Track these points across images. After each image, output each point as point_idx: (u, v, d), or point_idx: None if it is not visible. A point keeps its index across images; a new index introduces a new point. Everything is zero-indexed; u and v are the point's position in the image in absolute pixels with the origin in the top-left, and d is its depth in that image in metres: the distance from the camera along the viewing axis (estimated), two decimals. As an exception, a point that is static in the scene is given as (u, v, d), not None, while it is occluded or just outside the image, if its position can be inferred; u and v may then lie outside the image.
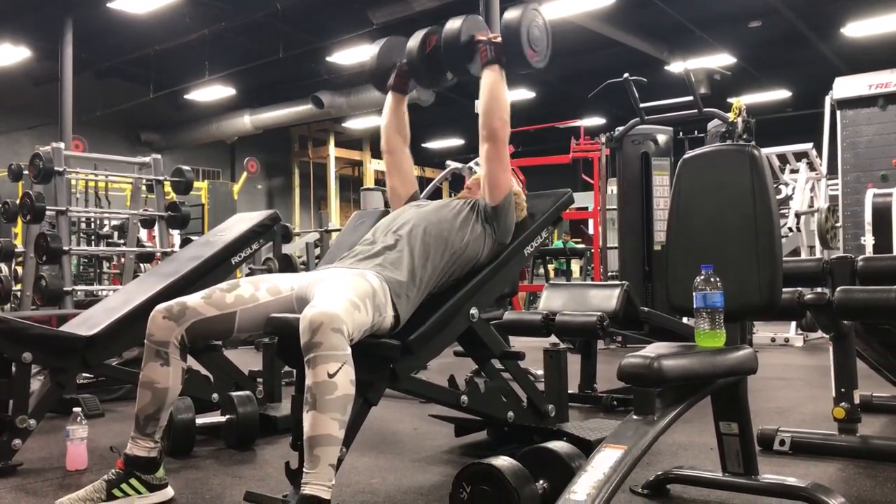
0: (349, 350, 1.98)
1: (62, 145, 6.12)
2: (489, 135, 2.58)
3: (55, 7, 11.80)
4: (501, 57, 2.61)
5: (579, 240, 12.33)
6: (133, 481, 2.25)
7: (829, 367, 2.87)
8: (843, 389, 2.76)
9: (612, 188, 8.17)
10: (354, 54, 13.15)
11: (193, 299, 2.30)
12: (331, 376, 1.92)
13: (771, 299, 2.04)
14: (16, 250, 7.08)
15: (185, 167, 6.73)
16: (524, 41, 2.57)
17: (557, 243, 10.69)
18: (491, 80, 2.59)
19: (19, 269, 7.53)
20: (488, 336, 2.66)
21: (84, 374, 3.85)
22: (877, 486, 2.38)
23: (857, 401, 2.76)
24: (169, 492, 2.33)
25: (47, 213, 5.91)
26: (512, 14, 2.59)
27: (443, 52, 2.69)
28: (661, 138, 7.07)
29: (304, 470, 1.93)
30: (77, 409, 2.71)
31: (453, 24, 2.66)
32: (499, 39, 2.61)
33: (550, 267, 11.25)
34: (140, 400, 2.28)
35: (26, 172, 6.31)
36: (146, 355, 2.28)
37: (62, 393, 2.96)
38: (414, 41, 2.77)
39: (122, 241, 7.92)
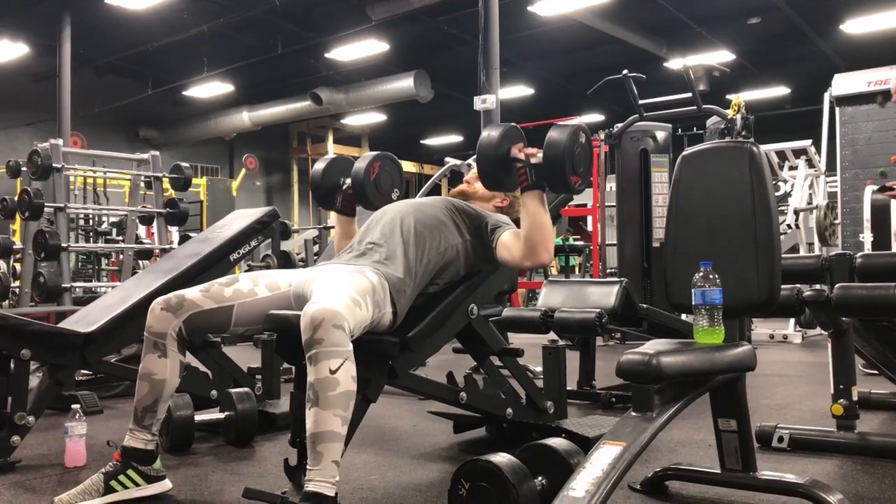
0: (351, 346, 1.98)
1: (60, 142, 6.12)
2: (534, 266, 2.52)
3: (53, 3, 11.79)
4: (543, 183, 2.36)
5: (578, 237, 12.32)
6: (131, 473, 2.26)
7: (827, 364, 2.87)
8: (841, 386, 2.76)
9: (611, 185, 8.18)
10: (353, 50, 13.15)
11: (192, 292, 2.31)
12: (333, 373, 1.93)
13: (770, 296, 2.05)
14: (14, 247, 7.07)
15: (184, 164, 6.73)
16: (567, 167, 2.30)
17: (556, 241, 10.69)
18: (532, 209, 2.35)
19: (18, 266, 7.53)
20: (487, 333, 2.66)
21: (83, 371, 3.85)
22: (875, 482, 2.38)
23: (855, 397, 2.76)
24: (167, 484, 2.34)
25: (46, 209, 5.91)
26: (556, 135, 2.32)
27: (478, 161, 2.46)
28: (660, 135, 7.07)
29: (308, 467, 1.93)
30: (76, 406, 2.71)
31: (489, 135, 2.41)
32: (538, 159, 2.34)
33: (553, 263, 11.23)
34: (138, 392, 2.29)
35: (24, 169, 6.31)
36: (145, 347, 2.29)
37: (61, 390, 2.96)
38: (359, 167, 2.70)
39: (120, 238, 7.92)
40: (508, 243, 2.43)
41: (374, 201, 2.71)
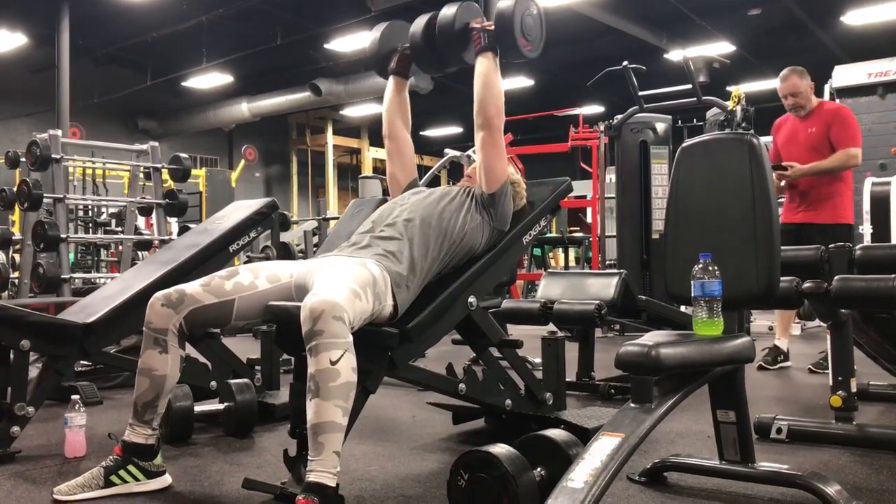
0: (351, 338, 1.98)
1: (59, 132, 6.10)
2: (484, 122, 2.58)
3: (51, -7, 11.75)
4: (494, 44, 2.61)
5: (577, 228, 12.32)
6: (131, 468, 2.27)
7: (826, 356, 2.88)
8: (839, 378, 2.77)
9: (611, 176, 8.16)
10: (353, 41, 13.10)
11: (192, 287, 2.29)
12: (333, 364, 1.93)
13: (769, 288, 2.05)
14: (13, 238, 7.07)
15: (183, 155, 6.71)
16: (517, 30, 2.57)
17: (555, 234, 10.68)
18: (484, 67, 2.59)
19: (17, 257, 7.53)
20: (486, 324, 2.66)
21: (82, 362, 3.86)
22: (873, 473, 2.39)
23: (853, 389, 2.77)
24: (167, 479, 2.34)
25: (45, 200, 5.89)
26: (506, 2, 2.58)
27: (437, 40, 2.69)
28: (660, 126, 7.06)
29: (309, 458, 1.93)
30: (75, 397, 2.72)
31: (447, 11, 2.66)
32: (492, 27, 2.61)
33: (556, 255, 11.24)
34: (138, 387, 2.29)
35: (23, 160, 6.29)
36: (145, 343, 2.28)
37: (60, 380, 2.96)
38: (418, 25, 2.77)
39: (119, 229, 7.91)
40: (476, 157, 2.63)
41: (431, 61, 2.83)
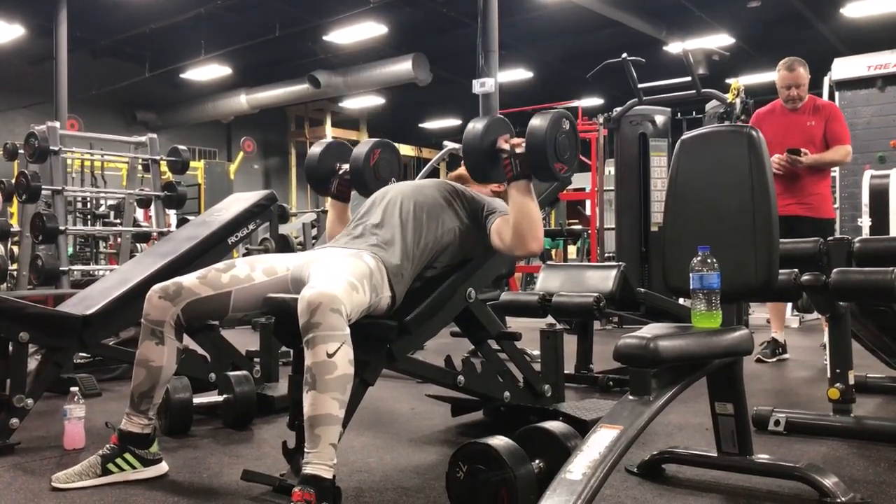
0: (348, 330, 1.98)
1: (57, 124, 6.10)
2: (523, 255, 2.48)
3: (49, -16, 11.70)
4: (529, 172, 2.35)
5: (576, 221, 12.32)
6: (128, 456, 2.29)
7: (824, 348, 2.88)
8: (838, 370, 2.77)
9: (610, 169, 8.16)
10: (351, 33, 13.07)
11: (189, 279, 2.30)
12: (330, 356, 1.93)
13: (767, 280, 2.05)
14: (12, 230, 7.06)
15: (182, 147, 6.72)
16: (550, 155, 2.29)
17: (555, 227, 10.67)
18: (519, 199, 2.34)
19: (15, 249, 7.52)
20: (485, 316, 2.66)
21: (81, 354, 3.86)
22: (870, 465, 2.40)
23: (851, 381, 2.77)
24: (163, 467, 2.36)
25: (43, 192, 5.89)
26: (537, 123, 2.31)
27: (464, 154, 2.46)
28: (659, 119, 7.05)
29: (306, 450, 1.94)
30: (74, 389, 2.72)
31: (475, 127, 2.41)
32: (522, 149, 2.33)
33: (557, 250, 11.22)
34: (135, 378, 2.31)
35: (22, 152, 6.28)
36: (142, 334, 2.30)
37: (59, 372, 2.96)
38: (359, 152, 2.69)
39: (118, 221, 7.90)
40: (500, 229, 2.43)
41: (371, 188, 2.70)
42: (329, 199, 2.82)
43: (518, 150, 2.34)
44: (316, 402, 1.93)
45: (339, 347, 1.94)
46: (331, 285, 2.01)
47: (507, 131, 2.43)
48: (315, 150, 2.80)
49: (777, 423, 2.82)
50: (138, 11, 12.57)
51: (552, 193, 2.93)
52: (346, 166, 2.75)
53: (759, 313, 6.83)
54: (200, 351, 3.24)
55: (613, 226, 7.56)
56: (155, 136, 6.75)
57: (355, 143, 2.84)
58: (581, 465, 1.64)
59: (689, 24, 12.77)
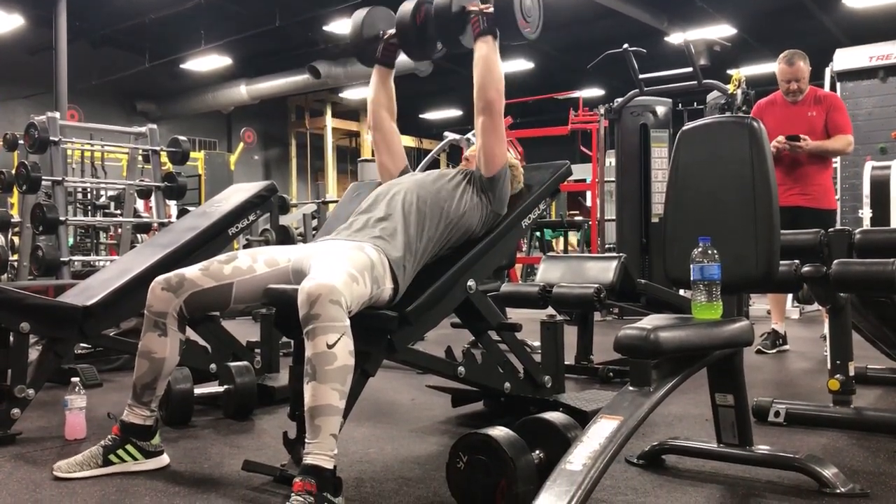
0: (348, 321, 1.98)
1: (57, 115, 6.09)
2: (484, 107, 2.55)
3: (49, -26, 11.66)
4: (494, 28, 2.54)
5: (577, 212, 12.31)
6: (129, 447, 2.30)
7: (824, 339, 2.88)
8: (838, 361, 2.77)
9: (611, 160, 8.15)
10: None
11: (191, 271, 2.31)
12: (330, 347, 1.93)
13: (768, 271, 2.05)
14: (12, 220, 7.06)
15: (182, 137, 6.70)
16: (517, 11, 2.51)
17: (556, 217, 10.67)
18: (484, 51, 2.54)
19: (16, 240, 7.52)
20: (485, 307, 2.66)
21: (82, 345, 3.86)
22: (870, 456, 2.40)
23: (851, 373, 2.78)
24: (164, 459, 2.36)
25: (43, 183, 5.89)
26: None
27: (433, 23, 2.62)
28: (660, 110, 7.04)
29: (306, 440, 1.94)
30: (75, 379, 2.72)
31: None
32: (491, 10, 2.53)
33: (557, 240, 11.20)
34: (137, 369, 2.31)
35: (22, 142, 6.28)
36: (145, 326, 2.31)
37: (60, 363, 2.97)
38: (405, 10, 2.69)
39: (118, 212, 7.90)
40: (476, 140, 2.60)
41: (420, 49, 2.75)
42: (374, 68, 2.82)
43: (486, 11, 2.53)
44: (316, 392, 1.93)
45: (339, 338, 1.94)
46: (331, 277, 2.01)
47: None
48: (358, 16, 2.80)
49: (777, 414, 2.83)
50: (138, 1, 12.54)
51: (553, 184, 2.93)
52: (391, 31, 2.76)
53: (759, 304, 6.83)
54: (201, 342, 3.25)
55: (614, 217, 7.55)
56: (155, 126, 6.74)
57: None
58: (581, 455, 1.65)
59: (691, 15, 12.73)
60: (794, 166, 4.46)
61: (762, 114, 4.63)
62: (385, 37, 2.77)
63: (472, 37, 2.58)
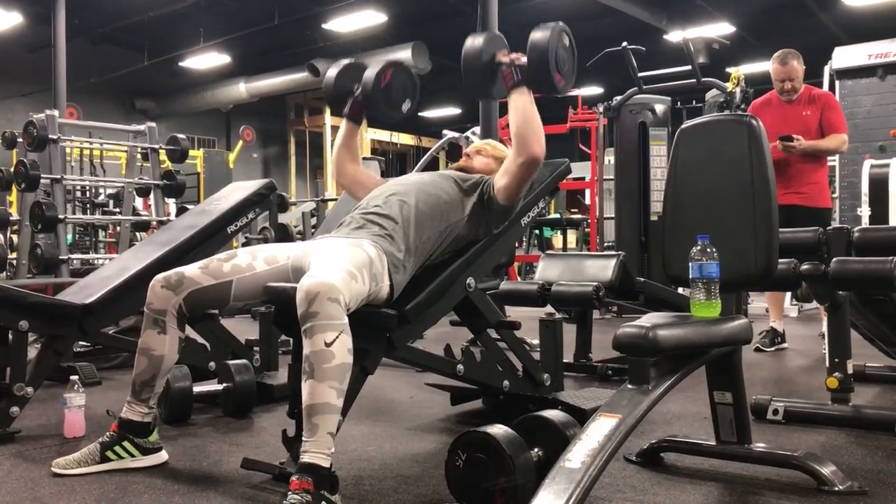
0: (346, 319, 1.98)
1: (56, 113, 6.09)
2: (526, 161, 2.44)
3: (47, -28, 11.64)
4: (529, 80, 2.42)
5: (576, 210, 12.31)
6: (127, 444, 2.31)
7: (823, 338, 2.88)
8: (836, 359, 2.78)
9: (610, 158, 8.15)
10: (351, 21, 13.03)
11: (191, 269, 2.31)
12: (328, 345, 1.93)
13: (767, 269, 2.05)
14: (11, 219, 7.05)
15: (181, 135, 6.70)
16: (552, 65, 2.36)
17: (555, 216, 10.67)
18: (521, 104, 2.41)
19: (15, 238, 7.52)
20: (484, 305, 2.66)
21: (81, 343, 3.86)
22: (868, 454, 2.40)
23: (850, 371, 2.78)
24: (163, 456, 2.37)
25: (42, 181, 5.88)
26: (539, 35, 2.38)
27: (464, 70, 2.50)
28: (659, 108, 7.04)
29: (304, 438, 1.94)
30: (74, 377, 2.72)
31: (473, 43, 2.46)
32: (523, 61, 2.41)
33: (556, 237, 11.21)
34: (137, 366, 2.32)
35: (20, 140, 6.27)
36: (145, 323, 2.31)
37: (59, 361, 2.97)
38: (370, 73, 2.66)
39: (117, 210, 7.90)
40: (501, 170, 2.50)
41: (383, 109, 2.69)
42: (343, 119, 2.79)
43: (518, 62, 2.41)
44: (314, 391, 1.93)
45: (337, 336, 1.94)
46: (329, 274, 2.01)
47: (504, 47, 2.50)
48: (332, 71, 2.77)
49: (776, 412, 2.83)
50: (137, -1, 12.53)
51: (552, 182, 2.93)
52: (358, 87, 2.71)
53: (758, 303, 6.84)
54: (200, 340, 3.25)
55: (613, 215, 7.55)
56: (154, 124, 6.74)
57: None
58: (580, 453, 1.65)
59: (690, 13, 12.73)
60: (787, 165, 4.46)
61: (757, 113, 4.62)
62: (355, 94, 2.72)
63: (506, 89, 2.46)
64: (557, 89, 2.44)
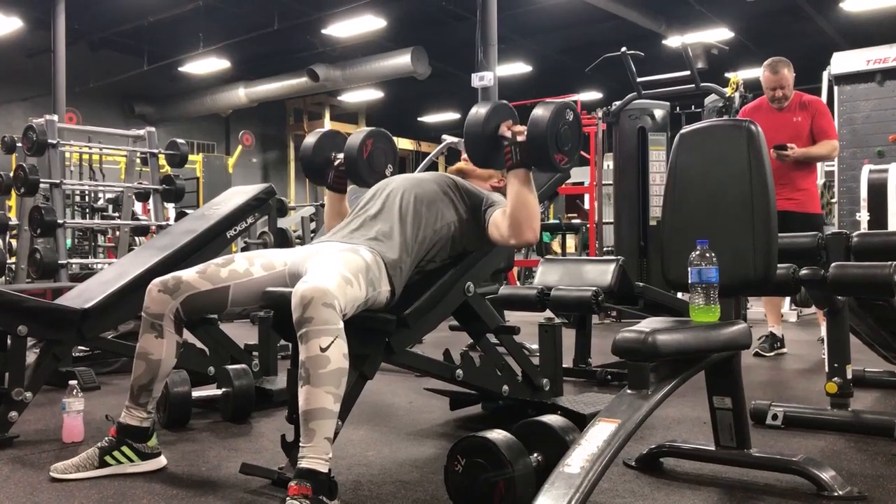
0: (341, 324, 1.98)
1: (55, 117, 6.08)
2: (518, 244, 2.44)
3: (47, -24, 11.66)
4: (528, 161, 2.34)
5: (575, 215, 12.32)
6: (125, 449, 2.30)
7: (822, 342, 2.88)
8: (836, 364, 2.77)
9: (609, 163, 8.16)
10: (350, 26, 13.05)
11: (188, 273, 2.32)
12: (323, 350, 1.93)
13: (766, 274, 2.05)
14: (10, 223, 7.05)
15: (180, 140, 6.69)
16: (551, 146, 2.28)
17: (554, 220, 10.68)
18: (517, 187, 2.33)
19: (14, 243, 7.52)
20: (483, 310, 2.66)
21: (80, 347, 3.86)
22: (867, 459, 2.40)
23: (849, 375, 2.78)
24: (161, 461, 2.36)
25: (41, 185, 5.88)
26: (540, 113, 2.29)
27: (465, 139, 2.45)
28: (658, 113, 7.04)
29: (301, 444, 1.94)
30: (73, 382, 2.72)
31: (478, 112, 2.40)
32: (524, 138, 2.32)
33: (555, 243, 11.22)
34: (135, 370, 2.32)
35: (20, 145, 6.27)
36: (142, 327, 2.31)
37: (58, 366, 2.96)
38: (351, 143, 2.65)
39: (116, 215, 7.89)
40: (498, 221, 2.43)
41: (367, 178, 2.68)
42: (326, 190, 2.78)
43: (519, 139, 2.32)
44: (310, 396, 1.93)
45: (332, 342, 1.95)
46: (324, 280, 2.01)
47: (510, 117, 2.41)
48: (309, 140, 2.76)
49: (775, 417, 2.83)
50: (136, 4, 12.54)
51: (552, 187, 2.93)
52: (341, 156, 2.70)
53: (757, 307, 6.84)
54: (199, 344, 3.25)
55: (612, 220, 7.55)
56: (153, 129, 6.73)
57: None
58: (579, 458, 1.65)
59: (689, 18, 12.76)
60: (780, 172, 4.46)
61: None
62: (335, 163, 2.71)
63: (505, 168, 2.41)
64: (558, 169, 2.38)
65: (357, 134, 2.70)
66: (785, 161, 4.44)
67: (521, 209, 2.34)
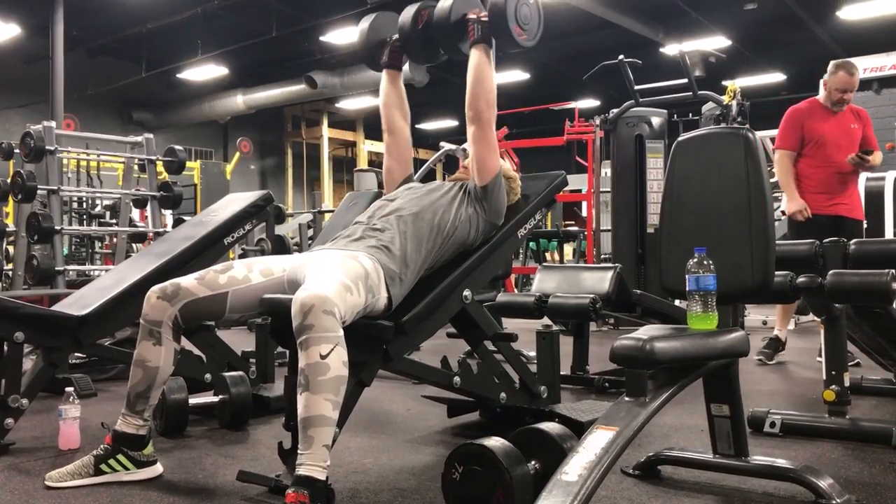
0: (341, 332, 1.98)
1: (53, 124, 6.08)
2: (475, 116, 2.56)
3: (46, -17, 11.68)
4: (489, 36, 2.54)
5: (573, 222, 12.32)
6: (121, 457, 2.30)
7: (819, 350, 2.88)
8: (833, 372, 2.78)
9: (606, 170, 8.15)
10: (348, 34, 13.05)
11: (187, 280, 2.31)
12: (323, 358, 1.93)
13: (763, 282, 2.05)
14: (7, 230, 7.04)
15: (178, 147, 6.69)
16: (511, 18, 2.48)
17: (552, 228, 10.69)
18: (476, 60, 2.54)
19: (11, 249, 7.51)
20: (481, 317, 2.66)
21: (77, 354, 3.85)
22: (865, 467, 2.40)
23: (847, 383, 2.78)
24: (157, 469, 2.36)
25: (39, 192, 5.88)
26: None
27: (434, 31, 2.64)
28: (656, 121, 7.05)
29: (299, 451, 1.94)
30: (70, 389, 2.72)
31: (444, 2, 2.61)
32: (486, 17, 2.54)
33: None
34: (132, 378, 2.31)
35: (17, 151, 6.27)
36: (140, 334, 2.31)
37: (55, 372, 2.96)
38: (406, 16, 2.71)
39: (114, 221, 7.90)
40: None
41: (422, 54, 2.78)
42: (383, 72, 2.84)
43: (483, 18, 2.54)
44: (309, 403, 1.93)
45: (332, 349, 1.94)
46: (324, 287, 2.01)
47: (476, 6, 2.60)
48: (364, 22, 2.82)
49: (773, 424, 2.83)
50: (135, 11, 12.55)
51: (549, 194, 2.93)
52: (395, 35, 2.78)
53: (754, 315, 6.84)
54: (196, 351, 3.24)
55: (610, 227, 7.55)
56: (151, 136, 6.73)
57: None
58: (577, 466, 1.64)
59: (686, 26, 12.79)
60: (838, 178, 4.46)
61: (805, 119, 4.54)
62: (391, 41, 2.79)
63: (468, 44, 2.58)
64: (518, 42, 2.52)
65: (410, 8, 2.74)
66: (863, 169, 4.46)
67: (477, 84, 2.53)
